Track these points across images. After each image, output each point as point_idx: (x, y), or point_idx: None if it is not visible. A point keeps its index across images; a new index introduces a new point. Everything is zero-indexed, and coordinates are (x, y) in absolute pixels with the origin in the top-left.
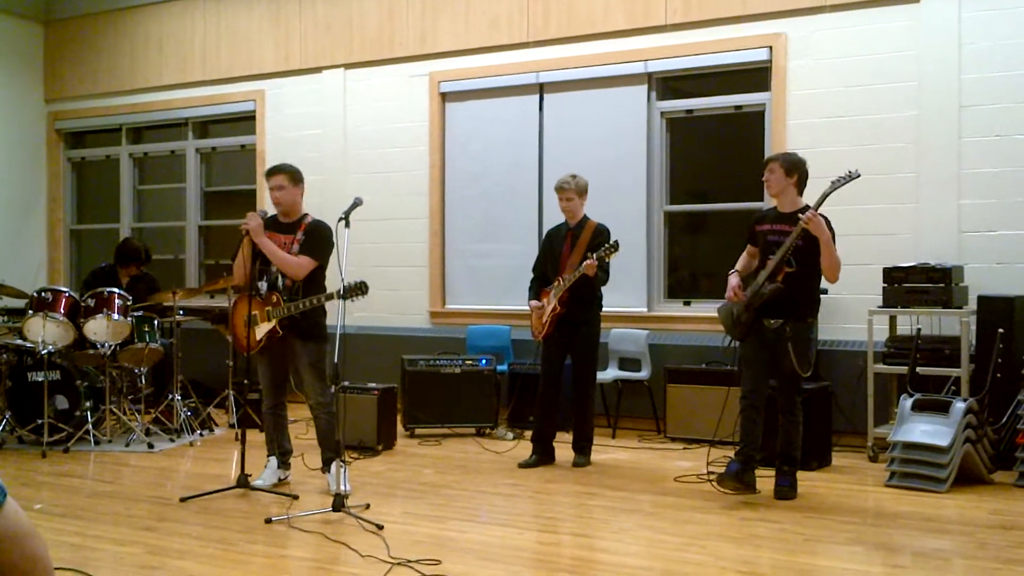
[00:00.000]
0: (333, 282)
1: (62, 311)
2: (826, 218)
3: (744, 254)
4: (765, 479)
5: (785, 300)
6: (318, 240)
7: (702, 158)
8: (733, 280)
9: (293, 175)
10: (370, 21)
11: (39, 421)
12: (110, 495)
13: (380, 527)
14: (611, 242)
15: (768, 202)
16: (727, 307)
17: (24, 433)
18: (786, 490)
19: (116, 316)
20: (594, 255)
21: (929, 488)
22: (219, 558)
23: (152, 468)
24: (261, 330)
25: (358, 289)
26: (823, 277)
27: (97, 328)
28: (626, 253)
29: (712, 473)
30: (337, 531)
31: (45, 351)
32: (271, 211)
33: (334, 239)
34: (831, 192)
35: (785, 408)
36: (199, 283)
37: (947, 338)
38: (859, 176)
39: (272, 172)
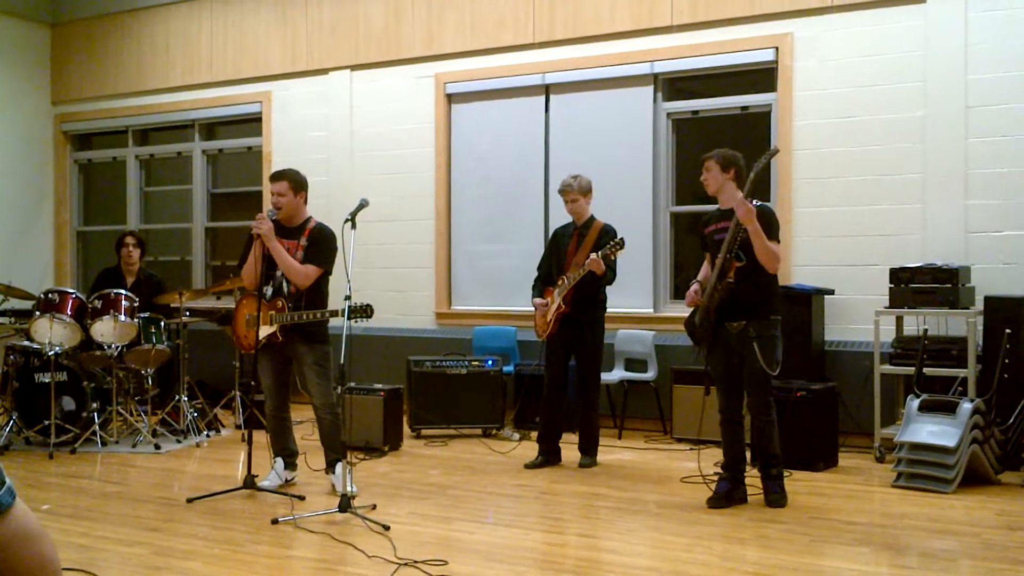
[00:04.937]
0: (337, 286)
1: (69, 312)
2: (767, 207)
3: (704, 263)
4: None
5: (744, 298)
6: (323, 247)
7: None
8: (691, 287)
9: (295, 183)
10: (376, 22)
11: (46, 422)
12: (117, 496)
13: (387, 528)
14: (616, 239)
15: (776, 202)
16: (689, 316)
17: (31, 434)
18: (777, 497)
19: (123, 317)
20: (599, 252)
21: (936, 489)
22: (225, 559)
23: (158, 469)
24: (262, 332)
25: (362, 312)
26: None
27: (104, 329)
28: (632, 254)
29: (710, 476)
30: (343, 532)
31: (52, 352)
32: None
33: (338, 244)
34: (754, 174)
35: (758, 410)
36: (205, 284)
37: (954, 339)
38: (777, 152)
39: (275, 177)
